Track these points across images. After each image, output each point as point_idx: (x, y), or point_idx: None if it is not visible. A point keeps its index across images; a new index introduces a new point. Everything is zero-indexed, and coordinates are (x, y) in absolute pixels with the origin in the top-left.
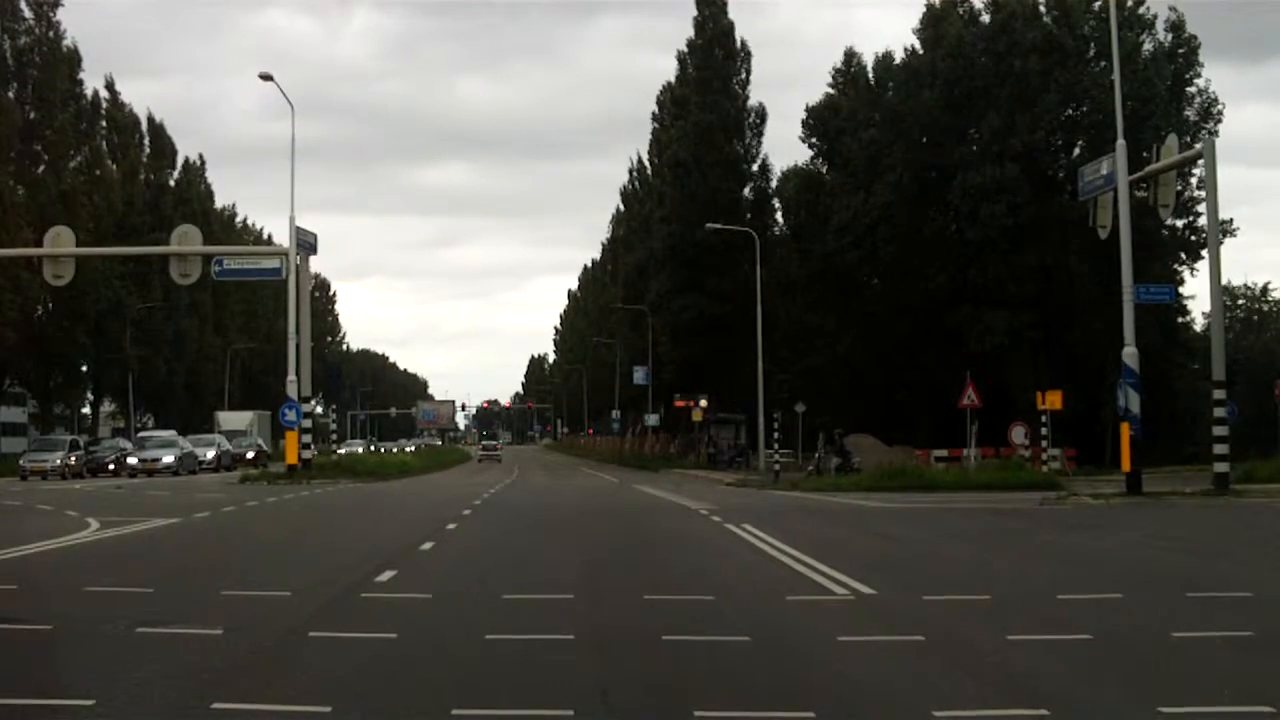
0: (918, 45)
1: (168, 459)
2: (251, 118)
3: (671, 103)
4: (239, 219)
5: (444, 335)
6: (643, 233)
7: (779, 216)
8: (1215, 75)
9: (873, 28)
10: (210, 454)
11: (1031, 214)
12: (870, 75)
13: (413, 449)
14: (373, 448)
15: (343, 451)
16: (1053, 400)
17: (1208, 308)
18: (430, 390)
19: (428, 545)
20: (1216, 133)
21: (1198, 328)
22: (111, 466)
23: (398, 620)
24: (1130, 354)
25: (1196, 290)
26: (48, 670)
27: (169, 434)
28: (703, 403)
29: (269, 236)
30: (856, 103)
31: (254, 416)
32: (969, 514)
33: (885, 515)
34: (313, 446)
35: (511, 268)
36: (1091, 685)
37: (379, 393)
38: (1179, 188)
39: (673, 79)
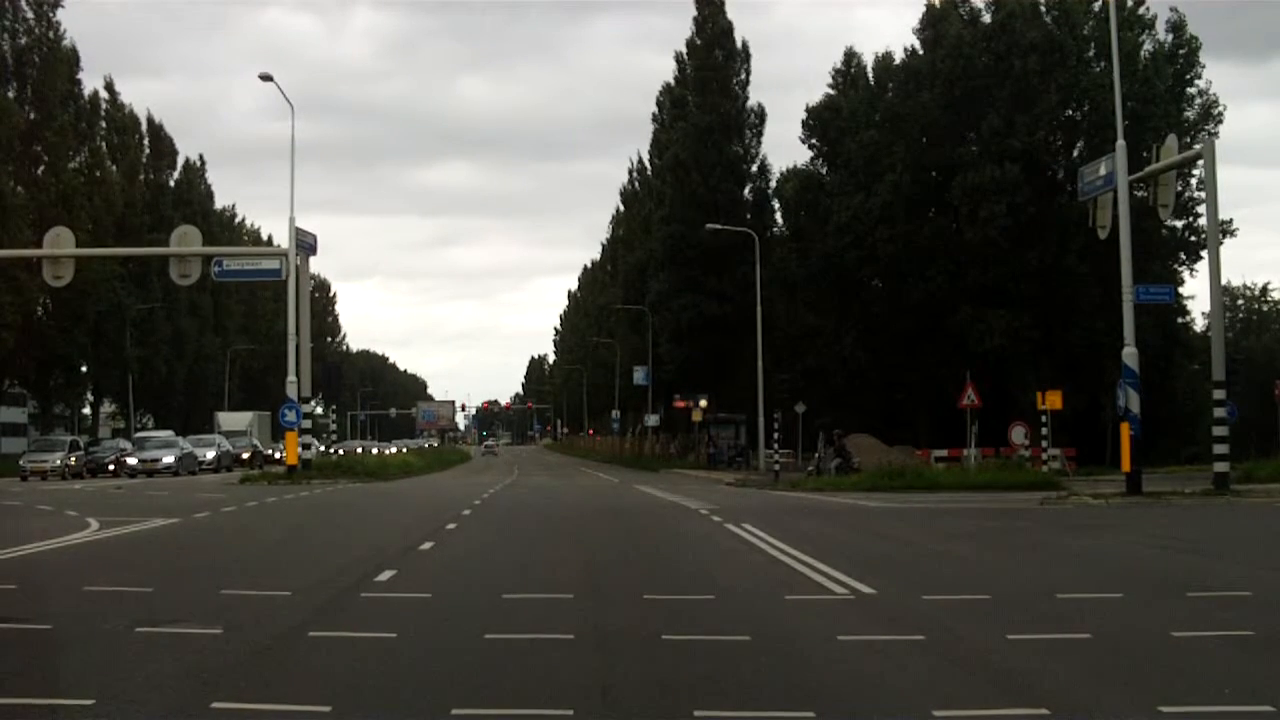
0: (918, 45)
1: (168, 459)
2: (251, 118)
3: (671, 103)
4: (239, 219)
5: (444, 335)
6: (643, 233)
7: (779, 216)
8: (1217, 74)
9: (873, 28)
10: (210, 454)
11: (1031, 214)
12: (870, 75)
13: (394, 450)
14: (332, 449)
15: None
16: (1053, 400)
17: (1208, 308)
18: (430, 390)
19: (427, 545)
20: (1216, 133)
21: (1198, 328)
22: (111, 467)
23: (398, 620)
24: (1130, 354)
25: (1196, 290)
26: (48, 670)
27: (167, 434)
28: (703, 403)
29: (269, 237)
30: (856, 103)
31: (254, 417)
32: (969, 514)
33: (885, 515)
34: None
35: (512, 268)
36: (1091, 685)
37: (379, 393)
38: (1179, 188)
39: (672, 80)
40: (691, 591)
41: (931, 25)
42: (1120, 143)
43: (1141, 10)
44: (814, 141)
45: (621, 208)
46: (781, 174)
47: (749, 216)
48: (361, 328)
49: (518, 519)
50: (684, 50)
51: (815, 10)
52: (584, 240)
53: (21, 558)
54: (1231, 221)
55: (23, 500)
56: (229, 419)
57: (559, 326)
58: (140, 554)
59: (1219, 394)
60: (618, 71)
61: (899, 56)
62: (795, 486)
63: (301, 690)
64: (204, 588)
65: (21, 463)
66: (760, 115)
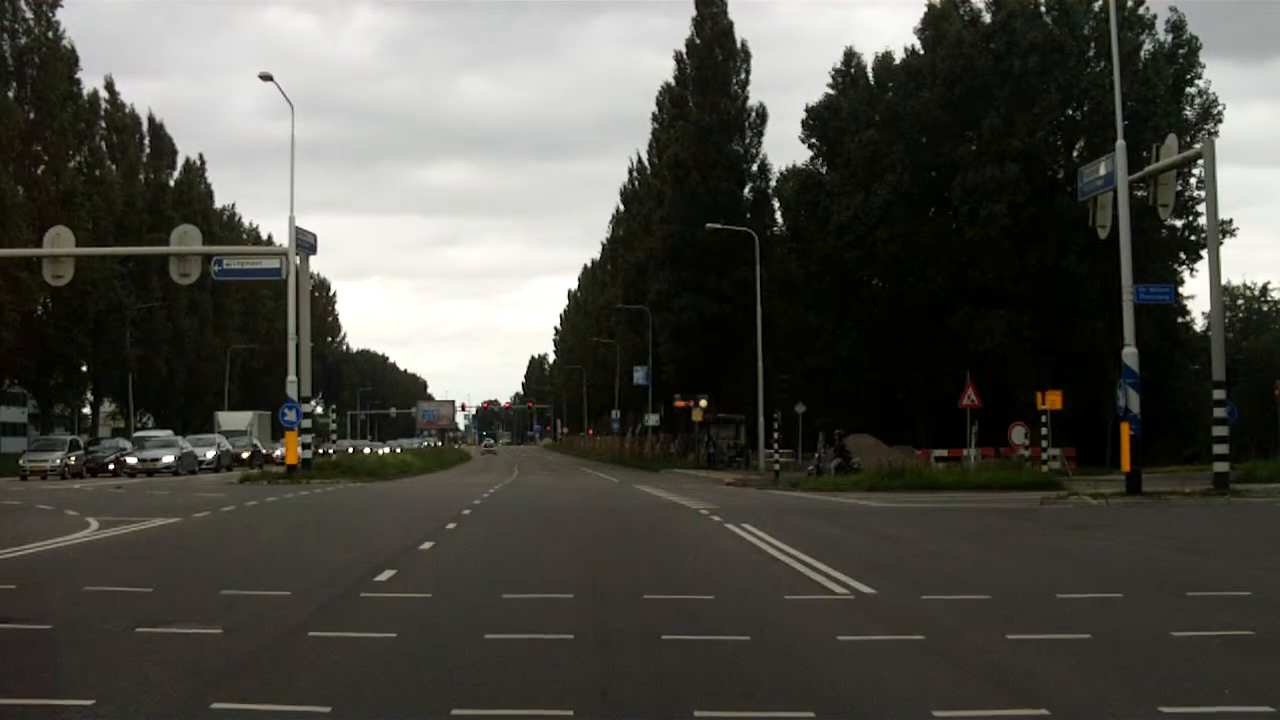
0: (918, 45)
1: (167, 459)
2: (251, 117)
3: (671, 103)
4: (239, 219)
5: (444, 335)
6: (643, 233)
7: (779, 216)
8: (1218, 74)
9: (873, 28)
10: (210, 454)
11: (1031, 214)
12: (870, 75)
13: (386, 450)
14: (325, 449)
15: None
16: (1053, 400)
17: (1208, 308)
18: (430, 390)
19: (427, 545)
20: (1216, 133)
21: (1198, 328)
22: (111, 466)
23: (397, 620)
24: (1130, 354)
25: (1196, 290)
26: (48, 670)
27: (166, 434)
28: (703, 403)
29: (269, 236)
30: (856, 103)
31: (254, 416)
32: (969, 514)
33: (885, 515)
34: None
35: (512, 268)
36: (1091, 685)
37: (379, 393)
38: (1179, 188)
39: (672, 79)
40: (691, 591)
41: (932, 25)
42: (1120, 142)
43: (1141, 10)
44: (814, 141)
45: (621, 208)
46: (781, 174)
47: (749, 216)
48: (361, 328)
49: (518, 519)
50: (684, 50)
51: (815, 10)
52: (584, 240)
53: (21, 558)
54: (1231, 221)
55: (22, 500)
56: (229, 419)
57: (559, 326)
58: (140, 554)
59: (1219, 394)
60: (618, 71)
61: (899, 56)
62: (795, 486)
63: (301, 690)
64: (204, 588)
65: (21, 462)
66: (760, 115)
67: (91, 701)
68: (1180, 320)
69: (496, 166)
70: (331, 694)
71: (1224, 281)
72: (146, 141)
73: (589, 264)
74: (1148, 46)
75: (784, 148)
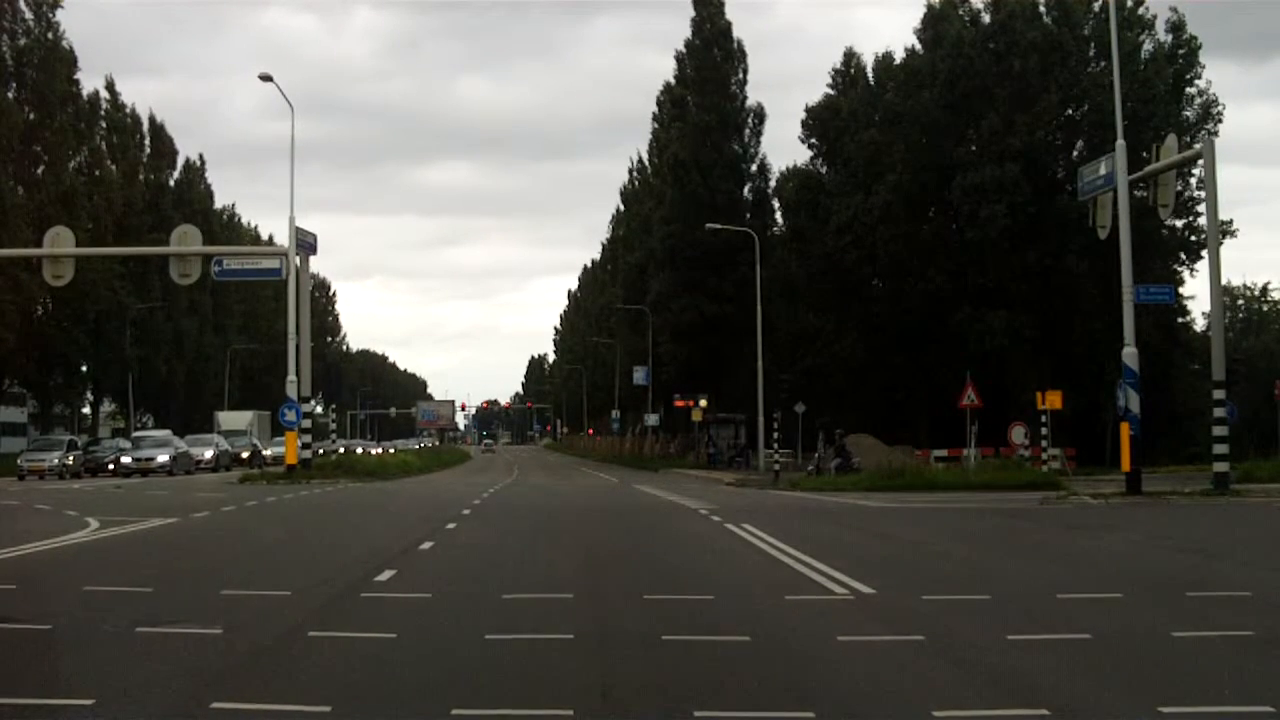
0: (918, 45)
1: (162, 458)
2: (252, 117)
3: (671, 103)
4: (239, 219)
5: (444, 335)
6: (643, 233)
7: (779, 216)
8: (1218, 73)
9: (873, 28)
10: (208, 454)
11: (1031, 214)
12: (870, 75)
13: (379, 451)
14: (321, 449)
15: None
16: (1053, 400)
17: (1208, 308)
18: (430, 390)
19: (427, 545)
20: (1216, 133)
21: (1198, 328)
22: (111, 466)
23: (398, 620)
24: (1130, 354)
25: (1196, 290)
26: (48, 670)
27: (163, 434)
28: (703, 403)
29: (269, 236)
30: (856, 103)
31: (254, 416)
32: (969, 514)
33: (885, 515)
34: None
35: (512, 268)
36: (1091, 685)
37: (379, 393)
38: (1179, 188)
39: (672, 79)
40: (691, 592)
41: (932, 25)
42: (1120, 142)
43: (1141, 10)
44: (814, 141)
45: (621, 208)
46: (781, 174)
47: (749, 216)
48: (361, 328)
49: (517, 519)
50: (683, 50)
51: (815, 10)
52: (584, 240)
53: (21, 558)
54: (1231, 221)
55: (21, 500)
56: (229, 418)
57: (559, 326)
58: (140, 554)
59: (1219, 394)
60: (618, 71)
61: (899, 56)
62: (795, 486)
63: (301, 690)
64: (204, 588)
65: (20, 462)
66: (759, 115)
67: (91, 701)
68: (1180, 320)
69: (497, 166)
70: (331, 694)
71: (1224, 281)
72: (146, 141)
73: (589, 264)
74: (1148, 46)
75: (784, 148)
